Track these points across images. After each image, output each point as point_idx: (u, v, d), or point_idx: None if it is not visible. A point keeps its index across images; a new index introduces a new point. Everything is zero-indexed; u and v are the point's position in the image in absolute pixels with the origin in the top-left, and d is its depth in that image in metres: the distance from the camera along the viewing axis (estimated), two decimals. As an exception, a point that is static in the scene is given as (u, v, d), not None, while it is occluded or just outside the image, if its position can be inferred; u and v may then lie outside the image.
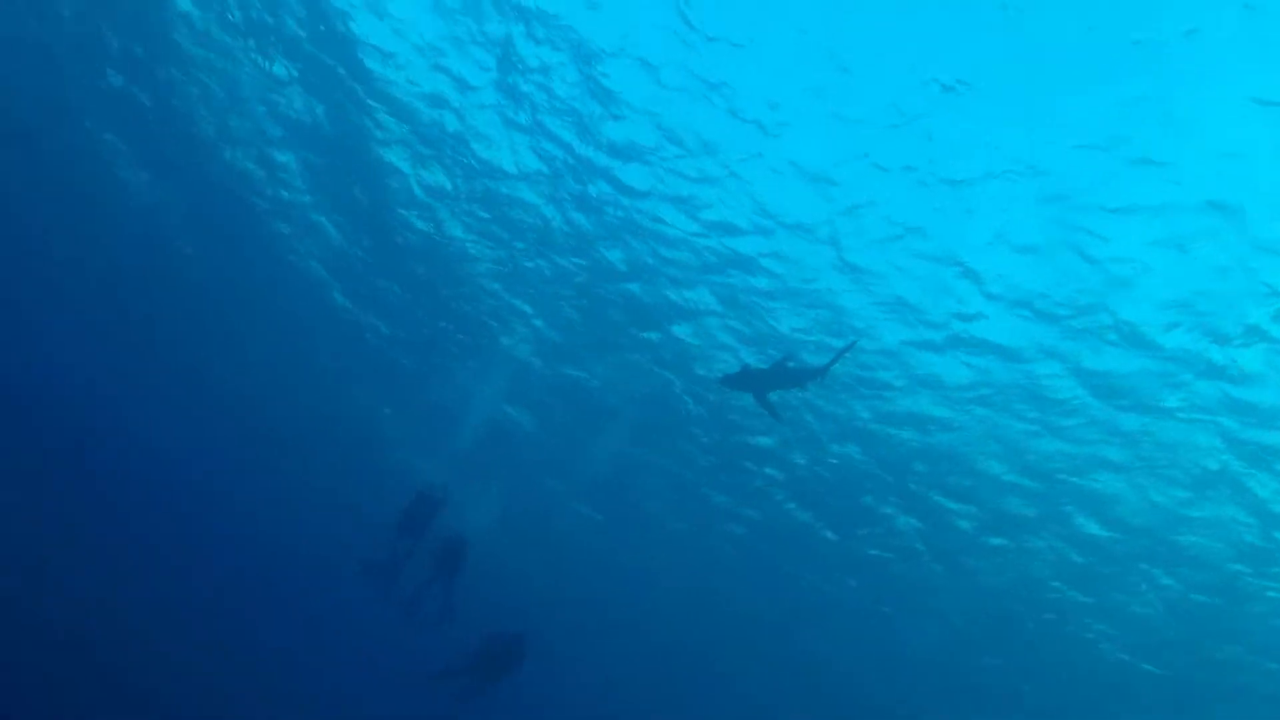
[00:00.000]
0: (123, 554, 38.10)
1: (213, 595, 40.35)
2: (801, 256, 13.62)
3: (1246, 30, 8.28)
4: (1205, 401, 12.98)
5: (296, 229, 18.58)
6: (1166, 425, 13.85)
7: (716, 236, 13.95)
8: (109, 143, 17.89)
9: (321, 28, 12.82)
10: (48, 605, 28.28)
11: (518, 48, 11.93)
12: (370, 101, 13.93)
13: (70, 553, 34.39)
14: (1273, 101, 8.90)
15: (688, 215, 13.76)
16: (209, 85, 14.99)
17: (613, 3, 10.75)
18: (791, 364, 12.04)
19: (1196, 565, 17.48)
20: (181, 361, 27.79)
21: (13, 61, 16.39)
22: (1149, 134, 9.60)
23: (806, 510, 21.50)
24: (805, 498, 20.96)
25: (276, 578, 44.19)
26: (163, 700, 28.83)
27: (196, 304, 23.67)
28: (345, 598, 29.95)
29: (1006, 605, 22.50)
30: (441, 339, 20.39)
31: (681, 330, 16.52)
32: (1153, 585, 18.90)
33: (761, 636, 32.71)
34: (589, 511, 26.77)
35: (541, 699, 38.86)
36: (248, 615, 41.49)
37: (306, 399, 26.96)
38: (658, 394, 18.83)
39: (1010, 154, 10.64)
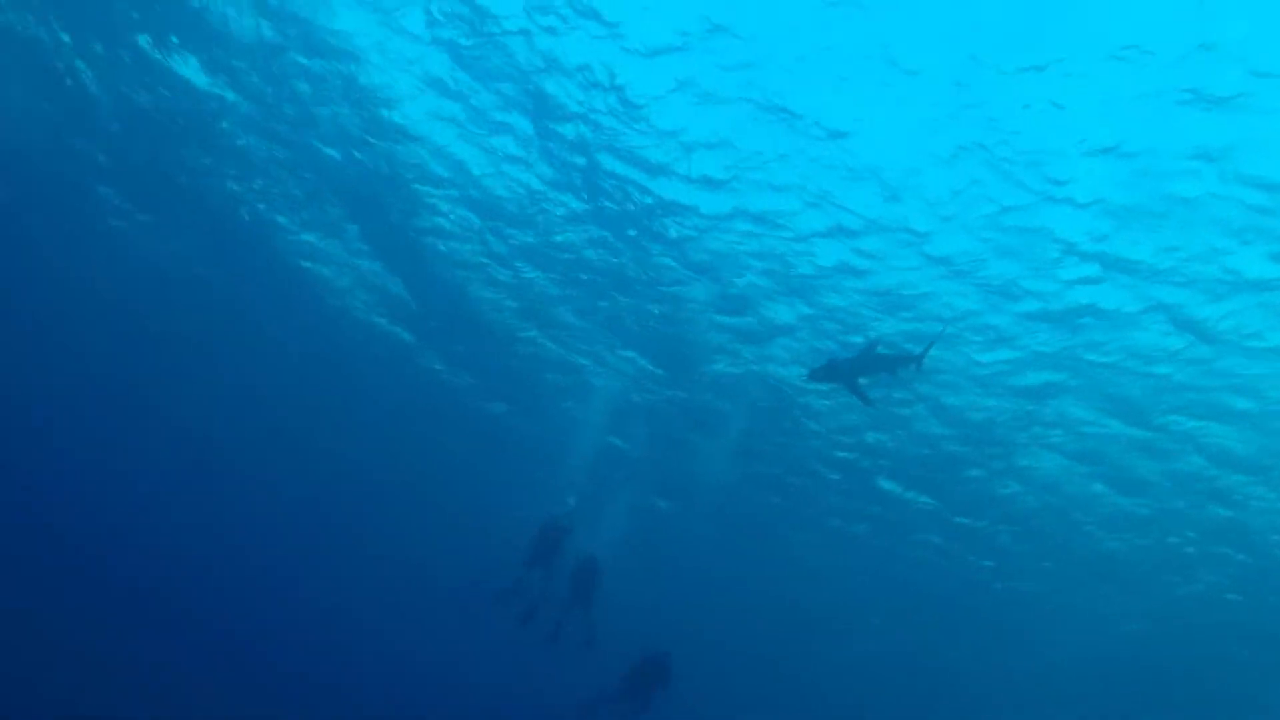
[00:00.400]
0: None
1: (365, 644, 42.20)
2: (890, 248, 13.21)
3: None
4: None
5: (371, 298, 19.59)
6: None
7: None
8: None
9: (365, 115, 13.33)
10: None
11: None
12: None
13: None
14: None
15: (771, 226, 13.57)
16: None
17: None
18: (881, 349, 11.74)
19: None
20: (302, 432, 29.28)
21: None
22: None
23: (925, 494, 20.98)
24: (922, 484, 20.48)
25: (417, 628, 45.45)
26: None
27: (297, 380, 24.89)
28: (489, 637, 30.46)
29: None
30: (533, 381, 20.84)
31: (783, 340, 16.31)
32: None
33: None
34: (703, 528, 26.53)
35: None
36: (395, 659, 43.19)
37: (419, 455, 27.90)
38: (767, 402, 18.61)
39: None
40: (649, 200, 13.81)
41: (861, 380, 11.64)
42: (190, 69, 13.75)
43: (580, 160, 13.42)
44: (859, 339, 15.11)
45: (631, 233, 14.80)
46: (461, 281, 17.87)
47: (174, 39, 13.32)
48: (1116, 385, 14.81)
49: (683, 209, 13.80)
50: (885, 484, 21.09)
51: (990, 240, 12.51)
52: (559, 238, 15.60)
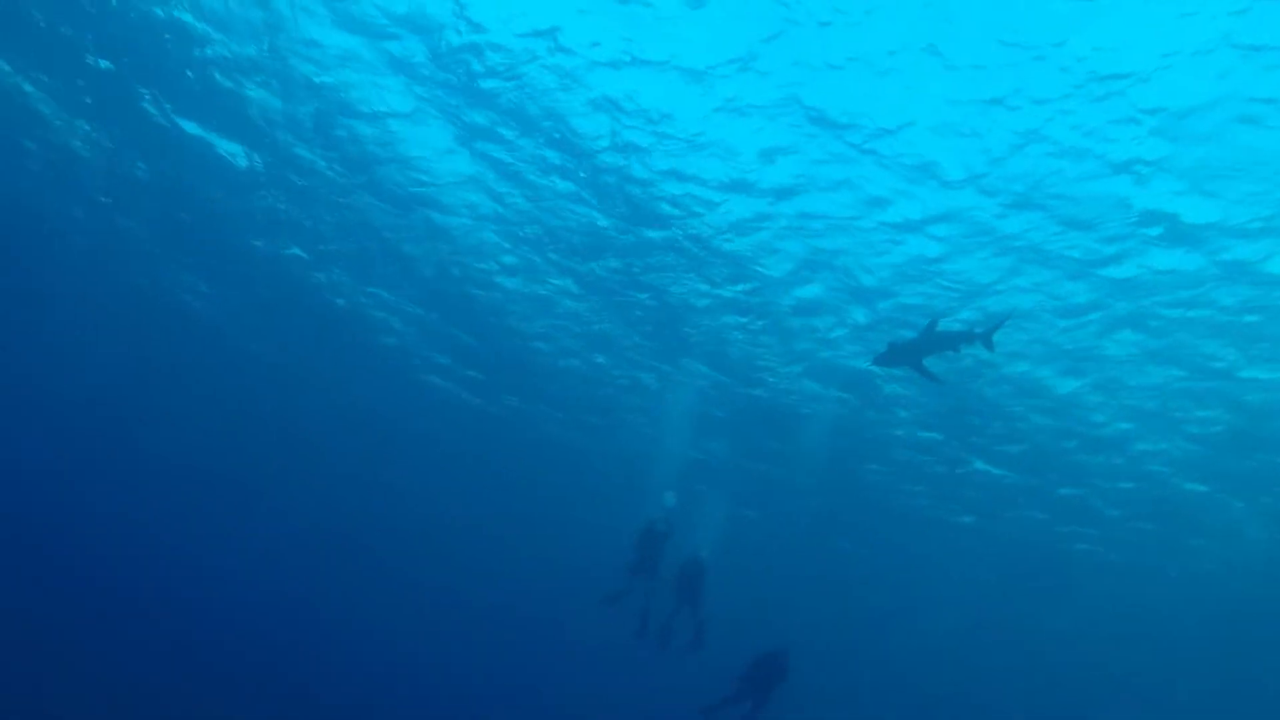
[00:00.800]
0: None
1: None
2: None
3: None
4: None
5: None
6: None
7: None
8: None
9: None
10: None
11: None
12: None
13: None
14: None
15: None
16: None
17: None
18: (941, 328, 11.74)
19: None
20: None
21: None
22: None
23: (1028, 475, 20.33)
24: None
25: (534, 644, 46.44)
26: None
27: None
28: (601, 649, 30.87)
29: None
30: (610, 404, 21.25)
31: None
32: None
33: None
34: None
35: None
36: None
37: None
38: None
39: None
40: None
41: (926, 361, 11.63)
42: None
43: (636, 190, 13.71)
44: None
45: (694, 249, 14.93)
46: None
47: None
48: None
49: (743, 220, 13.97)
50: (979, 464, 20.53)
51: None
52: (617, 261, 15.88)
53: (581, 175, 13.85)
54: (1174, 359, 14.92)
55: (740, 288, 15.84)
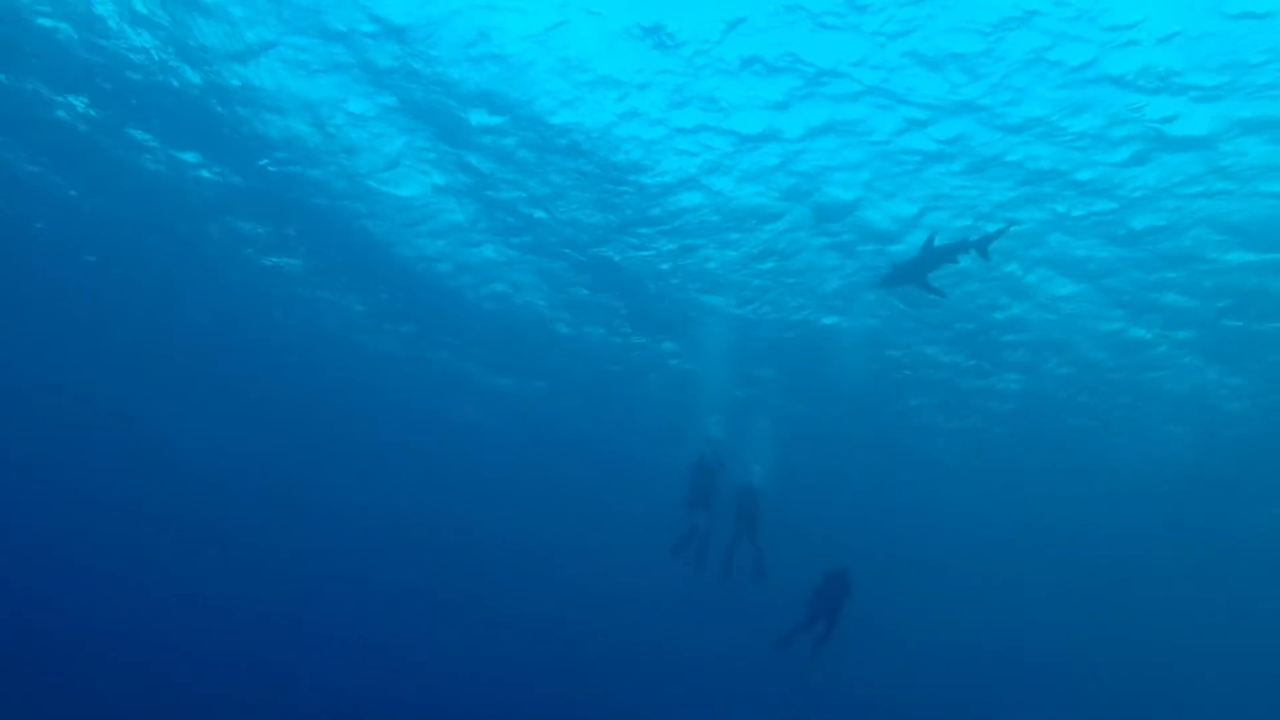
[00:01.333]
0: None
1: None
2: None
3: None
4: None
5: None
6: None
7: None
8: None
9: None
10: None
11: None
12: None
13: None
14: None
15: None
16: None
17: None
18: (939, 243, 12.11)
19: None
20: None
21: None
22: None
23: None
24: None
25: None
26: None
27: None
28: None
29: None
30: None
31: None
32: None
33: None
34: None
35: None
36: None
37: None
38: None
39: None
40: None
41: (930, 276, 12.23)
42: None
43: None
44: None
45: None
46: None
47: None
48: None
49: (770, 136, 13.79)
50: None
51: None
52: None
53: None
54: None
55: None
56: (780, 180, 14.75)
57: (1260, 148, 12.31)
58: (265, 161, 16.18)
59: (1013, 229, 14.15)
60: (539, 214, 16.82)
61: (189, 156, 16.41)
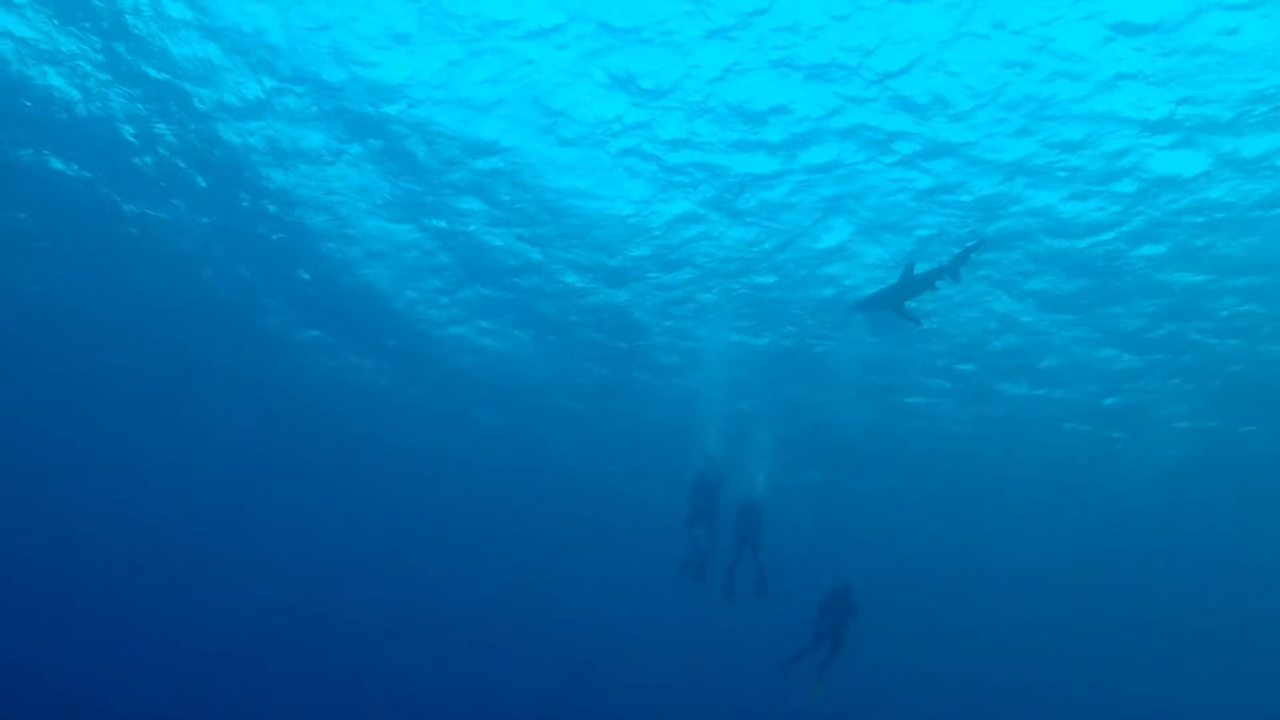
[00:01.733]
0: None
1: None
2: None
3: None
4: None
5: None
6: None
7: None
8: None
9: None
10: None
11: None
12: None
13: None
14: None
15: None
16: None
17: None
18: (919, 270, 11.78)
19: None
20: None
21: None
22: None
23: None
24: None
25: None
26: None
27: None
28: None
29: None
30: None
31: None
32: None
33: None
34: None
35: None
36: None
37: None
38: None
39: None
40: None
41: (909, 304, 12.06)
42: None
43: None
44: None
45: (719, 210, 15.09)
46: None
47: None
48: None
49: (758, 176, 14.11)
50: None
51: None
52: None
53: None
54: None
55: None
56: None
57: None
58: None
59: (983, 245, 13.79)
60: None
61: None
